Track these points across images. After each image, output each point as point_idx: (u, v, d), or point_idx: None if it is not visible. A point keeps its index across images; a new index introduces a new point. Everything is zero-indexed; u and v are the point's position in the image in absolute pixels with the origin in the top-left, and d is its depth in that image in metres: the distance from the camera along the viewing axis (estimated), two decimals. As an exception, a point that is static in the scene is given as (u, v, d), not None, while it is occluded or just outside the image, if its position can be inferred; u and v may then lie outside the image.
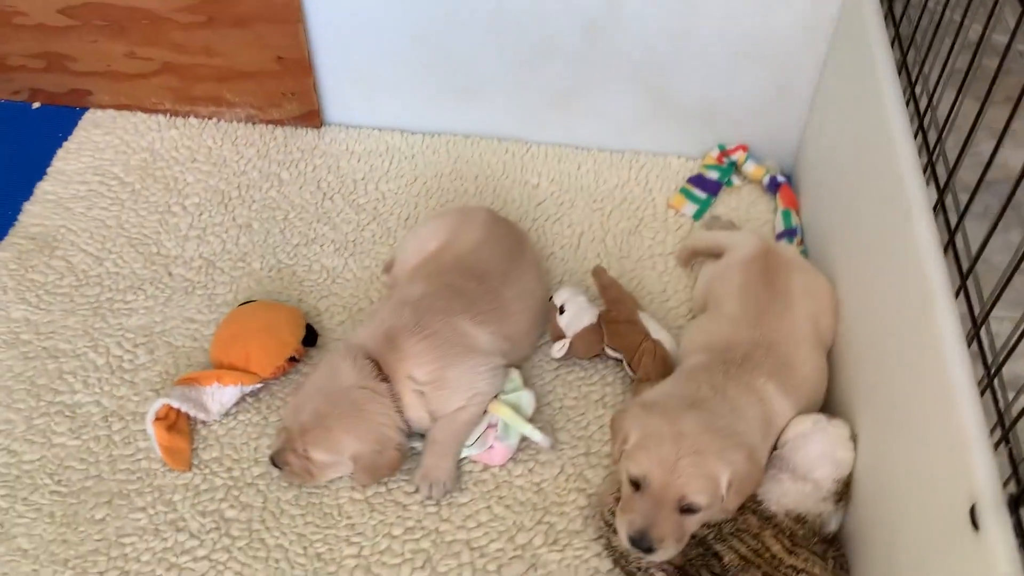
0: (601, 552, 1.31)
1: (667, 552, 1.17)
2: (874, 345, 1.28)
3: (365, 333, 1.41)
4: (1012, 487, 0.85)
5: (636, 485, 1.18)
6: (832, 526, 1.27)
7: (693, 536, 1.21)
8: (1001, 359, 0.96)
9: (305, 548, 1.32)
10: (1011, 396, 0.94)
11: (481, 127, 1.97)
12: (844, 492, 1.26)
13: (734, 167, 1.88)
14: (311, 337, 1.56)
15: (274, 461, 1.35)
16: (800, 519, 1.23)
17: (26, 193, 1.86)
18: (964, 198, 1.12)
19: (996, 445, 0.89)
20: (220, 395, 1.46)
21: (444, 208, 1.77)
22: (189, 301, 1.66)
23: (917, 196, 1.17)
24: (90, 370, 1.54)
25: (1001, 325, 1.05)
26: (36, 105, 2.06)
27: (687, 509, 1.16)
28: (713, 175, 1.87)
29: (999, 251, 1.08)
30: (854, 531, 1.25)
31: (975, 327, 1.01)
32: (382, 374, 1.35)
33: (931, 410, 1.02)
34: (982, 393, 0.93)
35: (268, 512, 1.36)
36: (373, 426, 1.32)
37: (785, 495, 1.24)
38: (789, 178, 1.86)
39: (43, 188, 1.87)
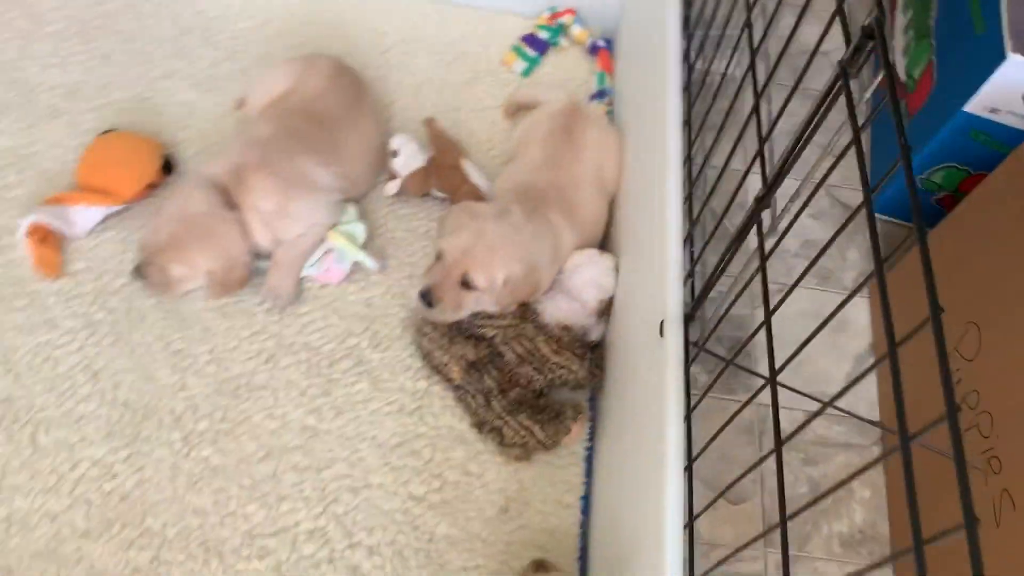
0: (414, 353, 1.63)
1: (444, 313, 1.50)
2: (634, 201, 1.59)
3: (216, 166, 1.61)
4: (687, 309, 1.20)
5: (439, 257, 1.50)
6: (594, 335, 1.63)
7: (482, 338, 1.55)
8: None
9: (165, 345, 1.59)
10: (697, 250, 1.27)
11: (335, -28, 2.09)
12: (605, 310, 1.62)
13: (563, 29, 2.10)
14: (168, 166, 1.75)
15: (138, 271, 1.57)
16: (567, 328, 1.59)
17: None
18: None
19: (685, 280, 1.22)
20: (86, 214, 1.66)
21: (293, 56, 1.93)
22: (54, 127, 1.79)
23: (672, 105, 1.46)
24: (-42, 187, 1.69)
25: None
26: None
27: (466, 284, 1.48)
28: (544, 35, 2.09)
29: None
30: (609, 341, 1.62)
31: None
32: (231, 203, 1.57)
33: (652, 257, 1.36)
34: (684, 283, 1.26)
35: (132, 316, 1.61)
36: (223, 246, 1.56)
37: (558, 310, 1.59)
38: (610, 43, 2.11)
39: None
